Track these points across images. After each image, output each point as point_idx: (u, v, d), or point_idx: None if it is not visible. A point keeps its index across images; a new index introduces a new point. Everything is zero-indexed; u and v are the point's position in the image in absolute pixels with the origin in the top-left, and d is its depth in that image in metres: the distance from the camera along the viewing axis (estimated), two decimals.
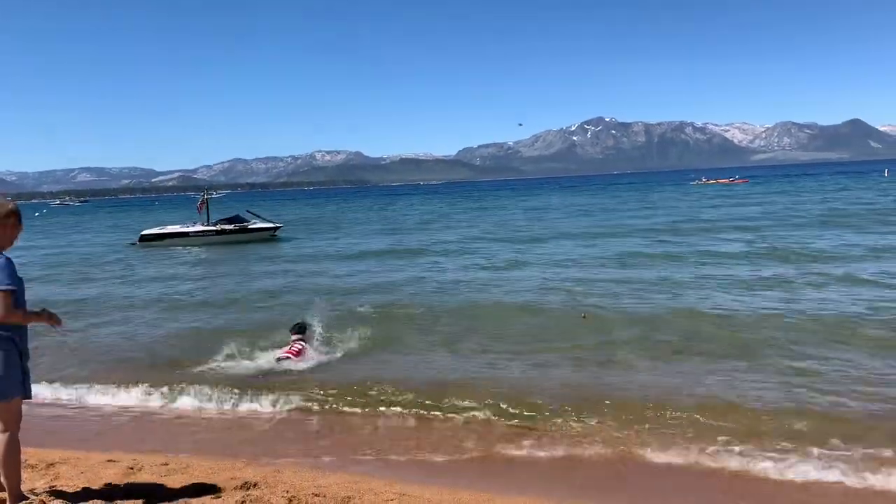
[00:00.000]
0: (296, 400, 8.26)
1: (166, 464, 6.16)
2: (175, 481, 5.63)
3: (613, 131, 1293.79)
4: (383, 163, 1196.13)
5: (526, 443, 6.74)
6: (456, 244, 28.29)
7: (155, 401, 8.61)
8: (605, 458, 6.44)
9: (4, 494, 4.80)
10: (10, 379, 4.61)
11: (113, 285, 20.26)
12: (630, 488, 5.88)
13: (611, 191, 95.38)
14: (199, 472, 5.96)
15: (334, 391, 8.41)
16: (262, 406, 8.23)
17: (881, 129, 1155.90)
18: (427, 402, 7.89)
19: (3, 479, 4.75)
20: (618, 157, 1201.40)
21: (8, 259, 4.56)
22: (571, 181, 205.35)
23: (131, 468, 6.03)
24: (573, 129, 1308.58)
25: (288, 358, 9.85)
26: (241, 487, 5.46)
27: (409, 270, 20.41)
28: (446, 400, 7.88)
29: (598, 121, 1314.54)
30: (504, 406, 7.59)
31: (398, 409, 7.83)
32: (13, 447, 4.70)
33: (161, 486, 5.51)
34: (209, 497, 5.23)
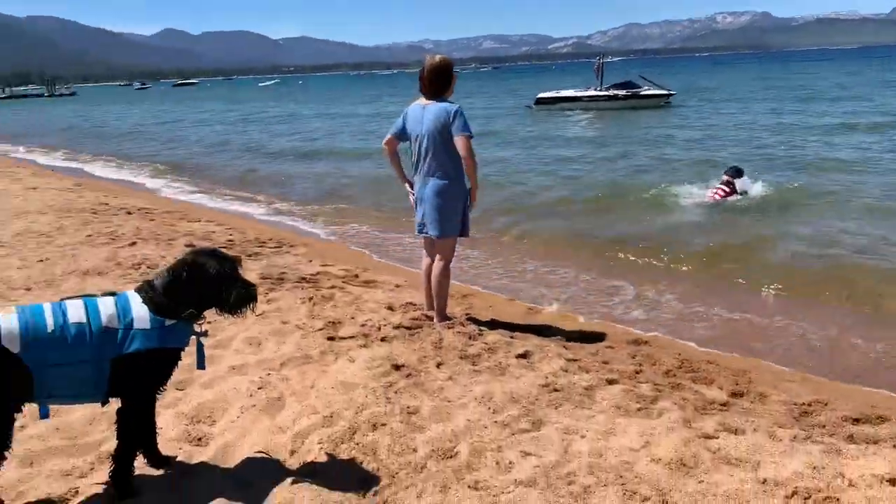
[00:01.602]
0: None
1: (562, 311, 6.58)
2: (571, 326, 5.99)
3: None
4: (794, 24, 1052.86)
5: None
6: None
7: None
8: None
9: (432, 313, 5.64)
10: (453, 221, 5.34)
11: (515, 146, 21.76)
12: None
13: None
14: (594, 323, 6.24)
15: None
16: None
17: None
18: None
19: (434, 300, 5.57)
20: None
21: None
22: None
23: (531, 309, 6.57)
24: None
25: (716, 196, 11.12)
26: (633, 343, 5.57)
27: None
28: None
29: None
30: None
31: None
32: (447, 275, 5.51)
33: (552, 327, 5.90)
34: (602, 344, 5.45)
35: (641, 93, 34.78)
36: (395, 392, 4.12)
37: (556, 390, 4.17)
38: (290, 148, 23.67)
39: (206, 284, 3.01)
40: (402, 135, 5.46)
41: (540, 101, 36.44)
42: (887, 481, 3.11)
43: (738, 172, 11.60)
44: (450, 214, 5.31)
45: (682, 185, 12.54)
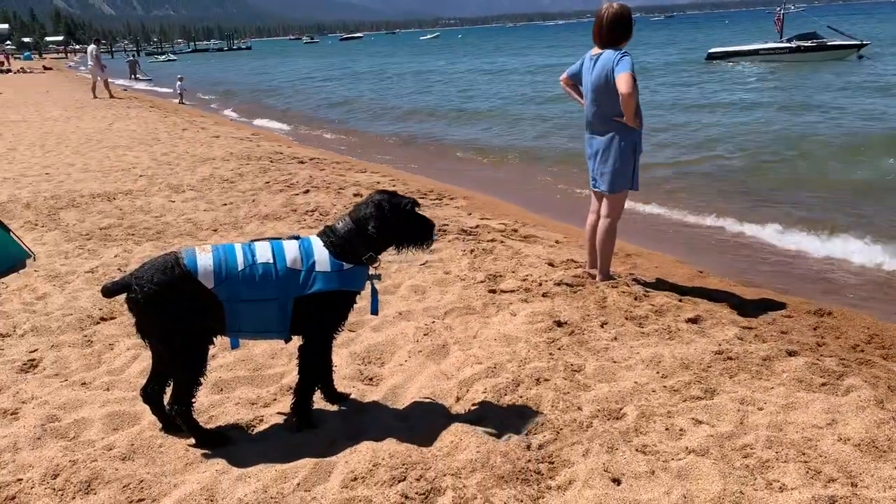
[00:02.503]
0: None
1: (736, 275, 6.22)
2: (744, 292, 5.63)
3: None
4: None
5: None
6: None
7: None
8: None
9: (594, 271, 5.50)
10: (625, 173, 5.12)
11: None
12: None
13: None
14: (769, 290, 5.84)
15: None
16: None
17: None
18: None
19: (598, 257, 5.42)
20: None
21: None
22: None
23: (700, 273, 6.24)
24: None
25: None
26: (815, 313, 5.15)
27: None
28: None
29: None
30: None
31: None
32: (613, 233, 5.33)
33: (724, 292, 5.58)
34: (779, 313, 5.09)
35: (828, 44, 31.66)
36: (559, 349, 4.07)
37: (730, 358, 3.93)
38: (446, 104, 23.86)
39: (388, 223, 3.12)
40: (577, 77, 5.31)
41: (712, 56, 34.17)
42: None
43: None
44: (621, 168, 5.10)
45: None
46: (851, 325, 4.91)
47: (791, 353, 4.06)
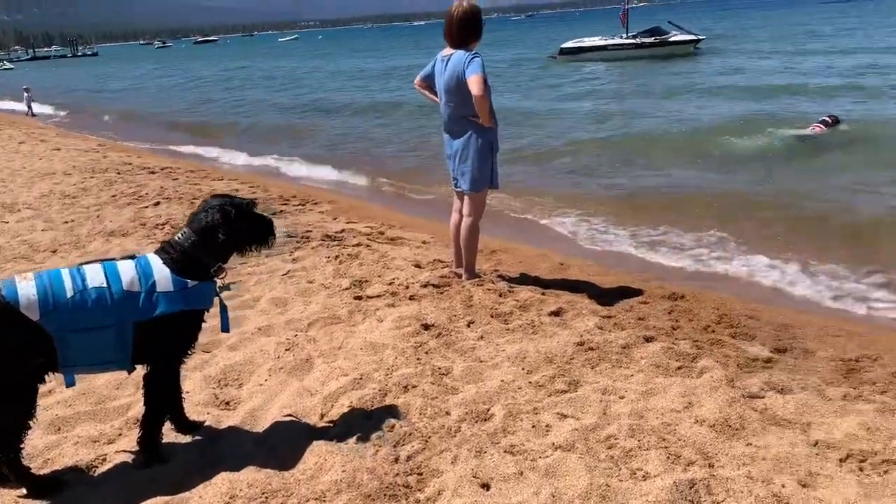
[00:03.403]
0: None
1: (594, 266, 6.40)
2: (603, 281, 5.81)
3: None
4: None
5: None
6: None
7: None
8: None
9: (460, 270, 5.49)
10: (485, 172, 5.11)
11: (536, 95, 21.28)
12: None
13: None
14: (627, 276, 6.05)
15: None
16: None
17: None
18: None
19: (463, 256, 5.41)
20: None
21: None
22: None
23: (562, 264, 6.39)
24: None
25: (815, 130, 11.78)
26: (669, 297, 5.38)
27: None
28: None
29: None
30: None
31: None
32: (476, 231, 5.33)
33: (585, 282, 5.73)
34: (636, 300, 5.27)
35: (670, 39, 33.76)
36: (426, 353, 4.00)
37: (591, 349, 4.02)
38: (311, 103, 23.43)
39: (235, 227, 2.95)
40: (430, 79, 5.26)
41: (564, 52, 35.56)
42: None
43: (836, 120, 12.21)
44: (480, 167, 5.09)
45: (723, 137, 12.28)
46: (702, 307, 5.16)
47: (648, 339, 4.21)
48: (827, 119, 12.04)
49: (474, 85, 4.72)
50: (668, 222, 7.68)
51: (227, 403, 3.62)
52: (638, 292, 5.47)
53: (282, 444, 3.14)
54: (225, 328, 3.19)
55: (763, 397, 3.42)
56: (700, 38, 34.12)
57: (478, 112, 4.86)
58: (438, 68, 5.11)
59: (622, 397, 3.43)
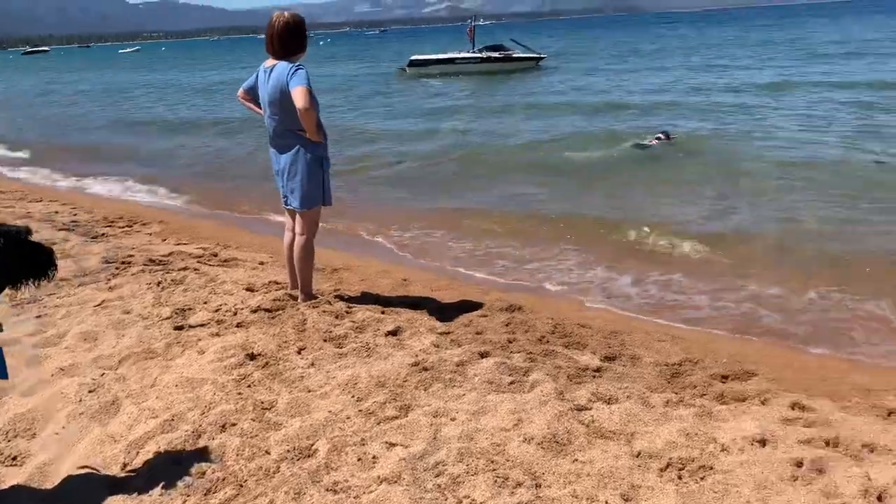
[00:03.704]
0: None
1: (436, 279, 6.33)
2: (444, 296, 5.74)
3: None
4: None
5: None
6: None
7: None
8: None
9: (296, 292, 5.22)
10: (316, 189, 4.87)
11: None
12: None
13: None
14: (468, 289, 6.02)
15: None
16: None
17: None
18: None
19: (298, 277, 5.15)
20: None
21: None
22: None
23: (405, 280, 6.27)
24: None
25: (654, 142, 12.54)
26: (507, 309, 5.39)
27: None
28: None
29: None
30: None
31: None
32: (310, 251, 5.07)
33: (427, 298, 5.64)
34: (475, 314, 5.24)
35: (513, 55, 35.05)
36: (249, 386, 3.72)
37: (425, 369, 3.90)
38: (141, 119, 22.14)
39: (9, 259, 2.58)
40: (254, 91, 4.97)
41: (413, 64, 35.95)
42: (757, 442, 3.06)
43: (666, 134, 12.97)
44: (310, 184, 4.86)
45: (560, 151, 12.73)
46: (539, 318, 5.20)
47: (483, 355, 4.15)
48: (661, 136, 12.80)
49: (299, 97, 4.50)
50: (508, 235, 7.80)
51: (14, 458, 3.17)
52: (477, 306, 5.44)
53: (75, 502, 2.77)
54: (2, 374, 2.77)
55: (591, 409, 3.43)
56: (542, 55, 35.68)
57: (304, 126, 4.64)
58: (262, 79, 4.85)
59: (453, 419, 3.33)
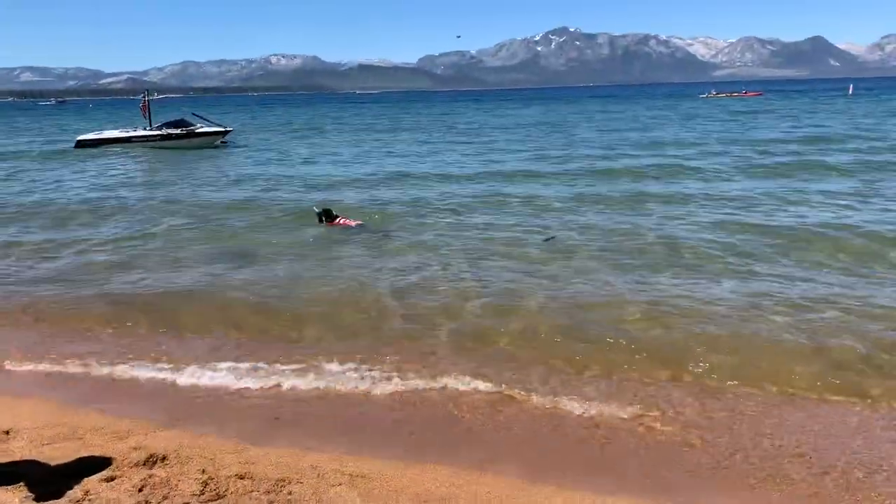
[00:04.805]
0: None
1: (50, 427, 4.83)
2: (58, 453, 4.32)
3: (578, 42, 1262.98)
4: (341, 69, 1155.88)
5: None
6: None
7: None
8: None
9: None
10: None
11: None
12: None
13: (611, 102, 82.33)
14: (94, 439, 4.63)
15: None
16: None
17: (840, 46, 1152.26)
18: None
19: None
20: (581, 70, 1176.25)
21: None
22: (542, 93, 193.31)
23: (7, 432, 4.68)
24: (537, 38, 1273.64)
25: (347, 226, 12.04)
26: (145, 464, 4.18)
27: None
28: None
29: (563, 31, 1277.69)
30: None
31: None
32: None
33: (32, 462, 4.18)
34: (97, 478, 3.94)
35: (197, 131, 33.03)
36: None
37: None
38: None
39: None
40: None
41: (81, 144, 32.04)
42: None
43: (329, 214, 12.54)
44: None
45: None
46: (186, 471, 4.10)
47: None
48: (349, 222, 12.34)
49: None
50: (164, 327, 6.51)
51: None
52: (104, 464, 4.13)
53: None
54: None
55: None
56: (228, 129, 34.15)
57: None
58: None
59: None
